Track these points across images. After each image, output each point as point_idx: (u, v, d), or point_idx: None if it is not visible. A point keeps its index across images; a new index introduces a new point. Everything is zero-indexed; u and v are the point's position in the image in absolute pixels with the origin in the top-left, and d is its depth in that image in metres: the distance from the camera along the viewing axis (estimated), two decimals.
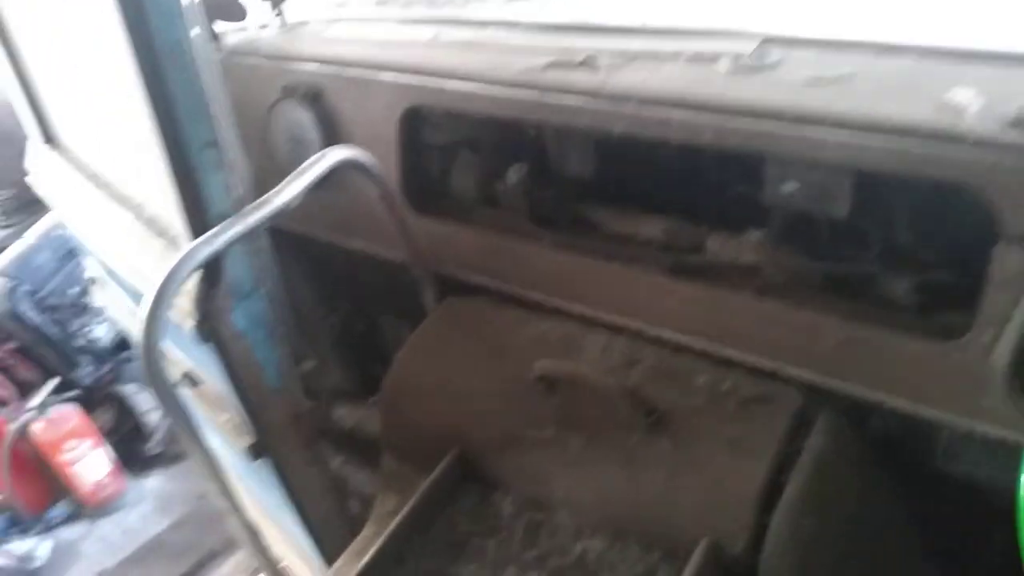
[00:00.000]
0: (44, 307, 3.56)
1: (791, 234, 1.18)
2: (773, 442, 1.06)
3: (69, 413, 3.43)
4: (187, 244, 1.03)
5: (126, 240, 1.31)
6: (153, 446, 3.76)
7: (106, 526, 3.52)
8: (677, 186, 1.28)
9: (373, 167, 1.24)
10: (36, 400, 3.43)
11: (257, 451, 1.25)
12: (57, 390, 3.51)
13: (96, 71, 1.21)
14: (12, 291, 3.46)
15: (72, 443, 3.39)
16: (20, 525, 3.47)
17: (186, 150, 1.03)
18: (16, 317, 3.45)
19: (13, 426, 3.31)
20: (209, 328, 1.13)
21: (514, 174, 1.38)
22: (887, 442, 1.11)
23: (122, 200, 1.34)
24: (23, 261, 3.53)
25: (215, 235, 1.03)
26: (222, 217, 1.08)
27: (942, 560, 1.17)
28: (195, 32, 0.99)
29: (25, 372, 3.59)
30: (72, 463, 3.40)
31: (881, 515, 1.11)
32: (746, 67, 1.13)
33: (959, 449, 1.06)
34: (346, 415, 1.85)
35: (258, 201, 1.08)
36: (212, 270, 1.10)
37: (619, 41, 1.33)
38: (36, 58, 1.51)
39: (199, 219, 1.08)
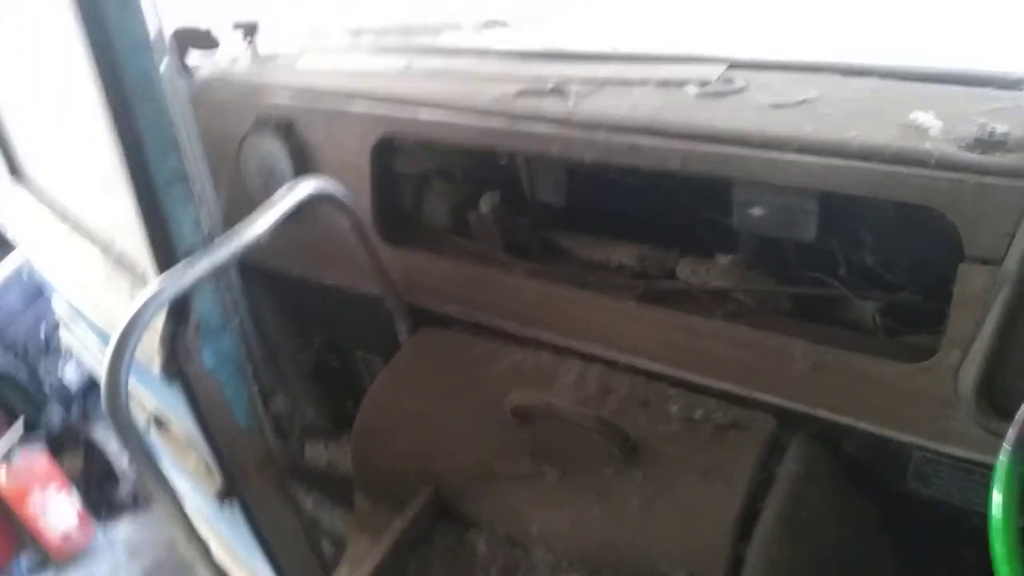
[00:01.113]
0: (9, 348, 3.48)
1: (760, 258, 1.20)
2: (747, 469, 1.06)
3: (36, 459, 3.33)
4: (154, 281, 1.01)
5: (93, 277, 1.29)
6: (124, 492, 3.66)
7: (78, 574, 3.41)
8: (648, 212, 1.30)
9: (345, 198, 1.24)
10: (1, 446, 3.33)
11: (225, 494, 1.21)
12: (24, 433, 3.41)
13: (62, 102, 1.19)
14: None
15: (39, 492, 3.29)
16: None
17: (153, 184, 1.01)
18: None
19: None
20: (176, 367, 1.10)
21: (486, 203, 1.38)
22: (859, 466, 1.11)
23: (90, 236, 1.32)
24: None
25: (182, 271, 1.02)
26: (191, 252, 1.06)
27: None
28: (164, 64, 0.99)
29: None
30: (39, 513, 3.29)
31: (855, 539, 1.11)
32: (712, 92, 1.15)
33: (929, 471, 1.06)
34: (319, 453, 1.82)
35: (227, 234, 1.07)
36: (180, 307, 1.08)
37: (589, 68, 1.35)
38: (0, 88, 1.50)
39: (167, 255, 1.06)
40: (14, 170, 1.59)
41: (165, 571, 3.28)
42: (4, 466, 3.22)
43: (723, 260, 1.21)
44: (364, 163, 1.42)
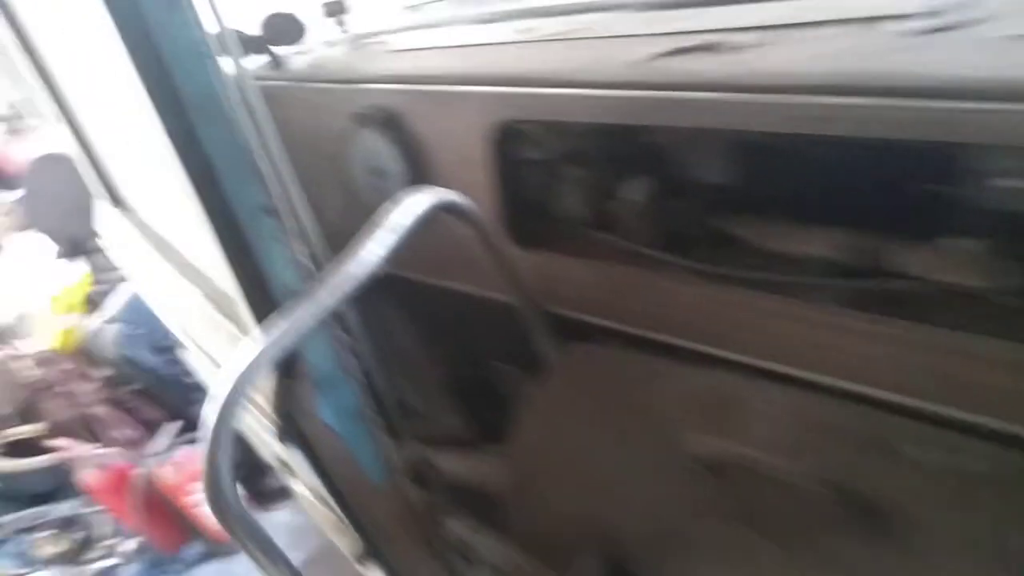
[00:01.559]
0: (158, 349, 3.58)
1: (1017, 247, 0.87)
2: None
3: (193, 454, 3.43)
4: (253, 337, 0.84)
5: (195, 318, 1.15)
6: (276, 480, 3.72)
7: (242, 563, 3.51)
8: (849, 187, 0.99)
9: (467, 207, 1.02)
10: (162, 443, 3.45)
11: (366, 555, 1.05)
12: (182, 430, 3.52)
13: (138, 129, 1.04)
14: (128, 336, 3.49)
15: (198, 484, 3.38)
16: (160, 567, 3.51)
17: (234, 219, 0.83)
18: (132, 361, 3.48)
19: (142, 470, 3.34)
20: (294, 430, 0.94)
21: (635, 190, 1.12)
22: None
23: (188, 271, 1.18)
24: (134, 305, 3.55)
25: (283, 324, 0.83)
26: (288, 293, 0.88)
27: None
28: (229, 70, 0.79)
29: (148, 412, 3.63)
30: (199, 503, 3.40)
31: None
32: (921, 29, 0.83)
33: None
34: (466, 467, 1.66)
35: (331, 269, 0.87)
36: (288, 364, 0.90)
37: (744, 11, 1.05)
38: (92, 115, 1.38)
39: (261, 298, 0.89)
40: (115, 198, 1.49)
41: (327, 558, 3.30)
42: (165, 463, 3.34)
43: (963, 249, 0.90)
44: (486, 155, 1.19)
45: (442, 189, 1.00)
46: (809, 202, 1.03)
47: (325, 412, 0.96)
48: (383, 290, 1.60)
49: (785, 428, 0.95)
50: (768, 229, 1.07)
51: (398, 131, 1.28)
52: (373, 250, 0.87)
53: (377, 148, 1.32)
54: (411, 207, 0.92)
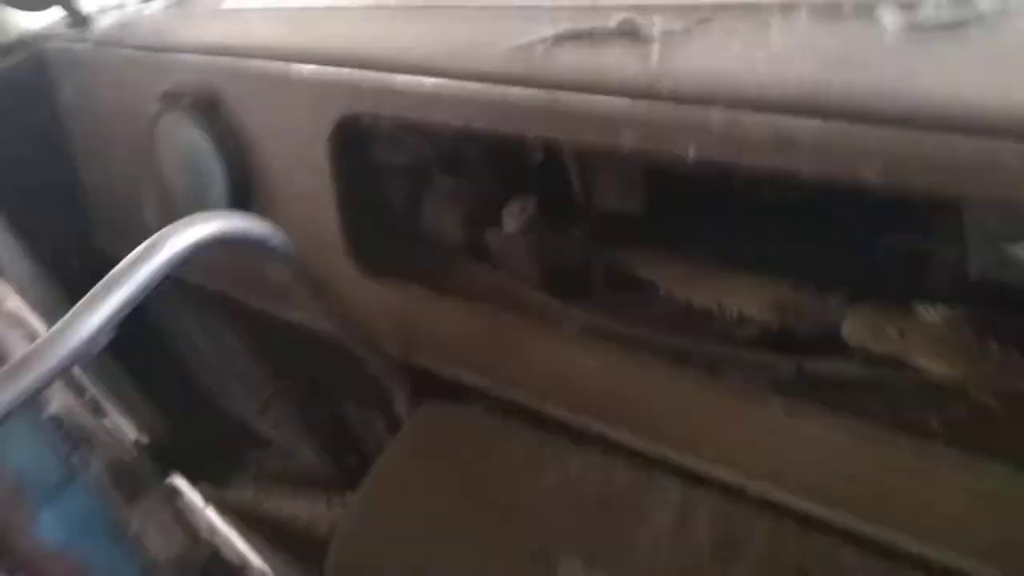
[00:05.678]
0: None
1: (1007, 317, 0.66)
2: None
3: None
4: None
5: None
6: None
7: None
8: (793, 225, 0.75)
9: (273, 239, 0.74)
10: None
11: None
12: None
13: None
14: None
15: None
16: None
17: None
18: None
19: None
20: (8, 557, 0.65)
21: (515, 214, 0.87)
22: None
23: None
24: None
25: None
26: None
27: None
28: None
29: None
30: None
31: None
32: (934, 23, 0.59)
33: None
34: (317, 511, 1.40)
35: (34, 347, 0.58)
36: None
37: None
38: None
39: None
40: None
41: None
42: None
43: (932, 315, 0.68)
44: (321, 156, 0.91)
45: (242, 216, 0.71)
46: (733, 240, 0.80)
47: (47, 528, 0.67)
48: (219, 311, 1.32)
49: (685, 537, 0.72)
50: (679, 272, 0.83)
51: (215, 118, 0.98)
52: (101, 311, 0.58)
53: (192, 139, 1.01)
54: (171, 245, 0.63)
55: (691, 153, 0.63)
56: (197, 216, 0.69)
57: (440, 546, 0.83)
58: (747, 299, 0.78)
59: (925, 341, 0.68)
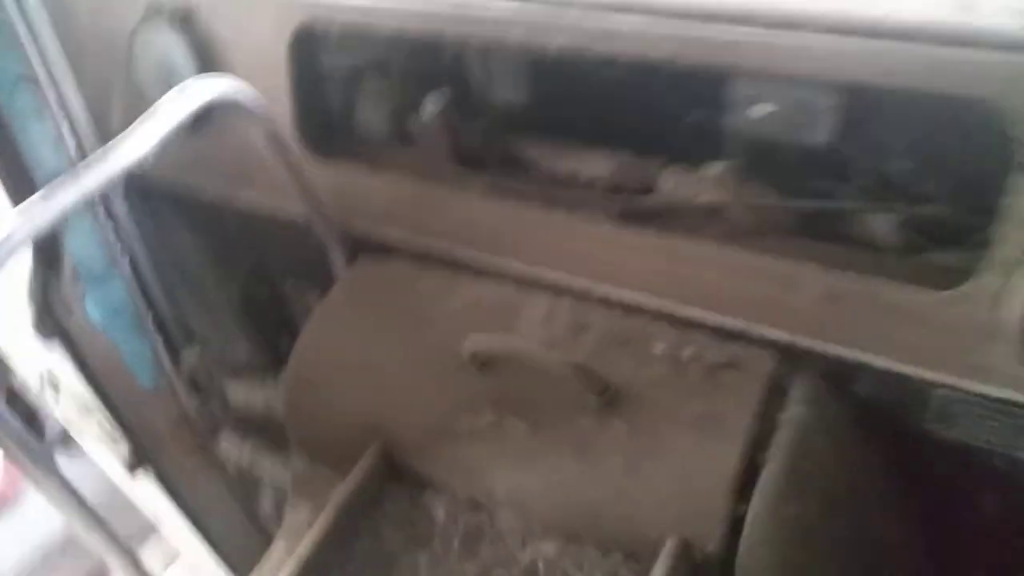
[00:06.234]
0: None
1: (760, 167, 1.01)
2: (746, 416, 0.91)
3: None
4: (5, 216, 0.79)
5: None
6: (52, 436, 3.43)
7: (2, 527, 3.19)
8: (628, 114, 1.08)
9: (255, 102, 1.01)
10: None
11: (135, 464, 1.03)
12: None
13: None
14: None
15: None
16: None
17: None
18: None
19: None
20: (53, 323, 0.90)
21: (432, 105, 1.16)
22: (872, 407, 0.97)
23: None
24: None
25: (42, 203, 0.79)
26: (52, 178, 0.83)
27: (931, 526, 1.04)
28: None
29: None
30: None
31: (868, 489, 0.97)
32: None
33: (955, 411, 0.92)
34: (254, 395, 1.64)
35: (98, 153, 0.84)
36: (47, 249, 0.86)
37: None
38: None
39: (22, 181, 0.83)
40: None
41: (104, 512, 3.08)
42: None
43: (713, 170, 1.02)
44: (281, 59, 1.17)
45: (229, 80, 0.97)
46: (588, 124, 1.12)
47: (91, 308, 0.92)
48: (168, 206, 1.54)
49: (548, 327, 1.04)
50: (551, 148, 1.15)
51: (191, 28, 1.22)
52: (146, 136, 0.84)
53: (169, 46, 1.25)
54: (192, 96, 0.89)
55: (553, 45, 0.94)
56: (197, 80, 0.95)
57: (377, 354, 1.11)
58: (595, 166, 1.10)
59: (709, 184, 1.02)
